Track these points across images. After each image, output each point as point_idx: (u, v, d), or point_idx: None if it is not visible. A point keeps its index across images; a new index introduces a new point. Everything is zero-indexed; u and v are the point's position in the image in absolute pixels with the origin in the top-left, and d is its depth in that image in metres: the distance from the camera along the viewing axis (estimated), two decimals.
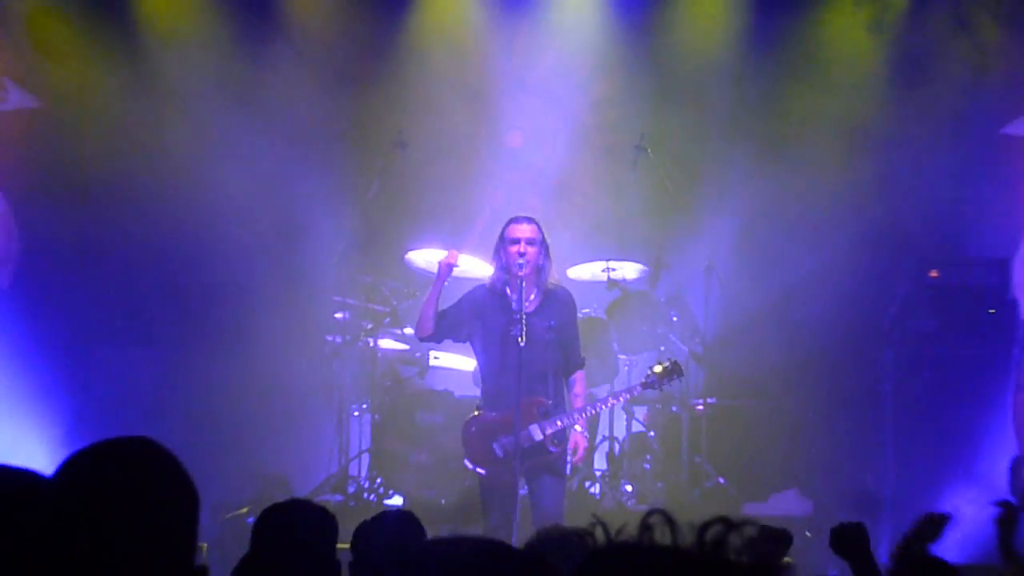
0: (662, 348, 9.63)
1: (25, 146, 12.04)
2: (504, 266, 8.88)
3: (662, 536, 1.70)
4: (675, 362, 9.14)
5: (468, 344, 9.18)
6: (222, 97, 11.76)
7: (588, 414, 9.04)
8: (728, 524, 1.65)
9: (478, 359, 9.16)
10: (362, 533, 5.28)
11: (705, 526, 1.66)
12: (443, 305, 9.09)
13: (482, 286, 9.09)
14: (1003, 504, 6.31)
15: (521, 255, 8.75)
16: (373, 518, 5.37)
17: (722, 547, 1.64)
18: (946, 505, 10.51)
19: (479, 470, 8.76)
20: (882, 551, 9.98)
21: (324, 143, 11.88)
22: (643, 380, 9.10)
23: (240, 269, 11.52)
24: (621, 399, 9.64)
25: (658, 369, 9.02)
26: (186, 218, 11.56)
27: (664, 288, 11.36)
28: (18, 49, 11.98)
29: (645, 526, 1.70)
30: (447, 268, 8.92)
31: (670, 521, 1.70)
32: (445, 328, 9.01)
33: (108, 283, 11.73)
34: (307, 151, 11.79)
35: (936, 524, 5.67)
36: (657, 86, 12.00)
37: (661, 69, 12.06)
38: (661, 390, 9.50)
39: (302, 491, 10.28)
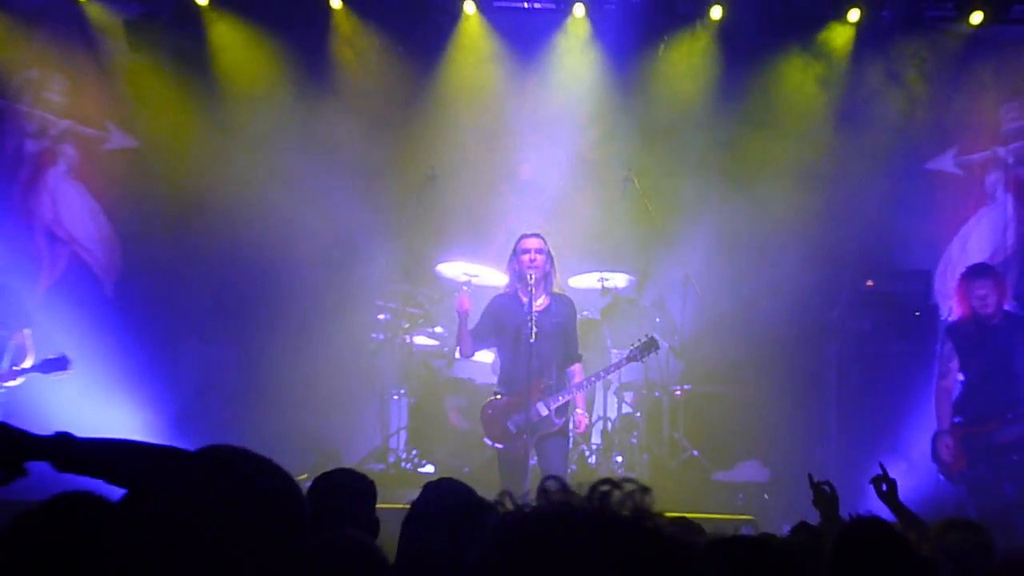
0: (649, 335, 9.74)
1: (125, 179, 12.19)
2: (518, 273, 8.92)
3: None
4: (652, 338, 9.20)
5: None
6: (288, 139, 11.75)
7: (585, 388, 9.05)
8: (612, 484, 1.60)
9: (498, 351, 9.21)
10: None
11: (594, 486, 1.61)
12: (472, 321, 9.09)
13: (500, 295, 9.12)
14: (877, 479, 5.97)
15: (532, 262, 8.80)
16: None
17: (606, 502, 1.57)
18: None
19: (496, 445, 8.83)
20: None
21: (370, 176, 11.79)
22: (628, 354, 9.17)
23: (302, 280, 11.53)
24: (612, 372, 9.55)
25: (638, 344, 9.11)
26: (259, 238, 11.45)
27: (648, 295, 11.41)
28: (120, 98, 12.14)
29: (541, 491, 1.64)
30: (463, 312, 8.94)
31: (564, 485, 1.63)
32: (478, 344, 9.08)
33: (194, 291, 11.75)
34: (356, 183, 11.67)
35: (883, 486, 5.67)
36: (642, 129, 11.92)
37: (645, 115, 11.97)
38: (643, 361, 9.45)
39: (351, 461, 10.29)
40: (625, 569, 1.50)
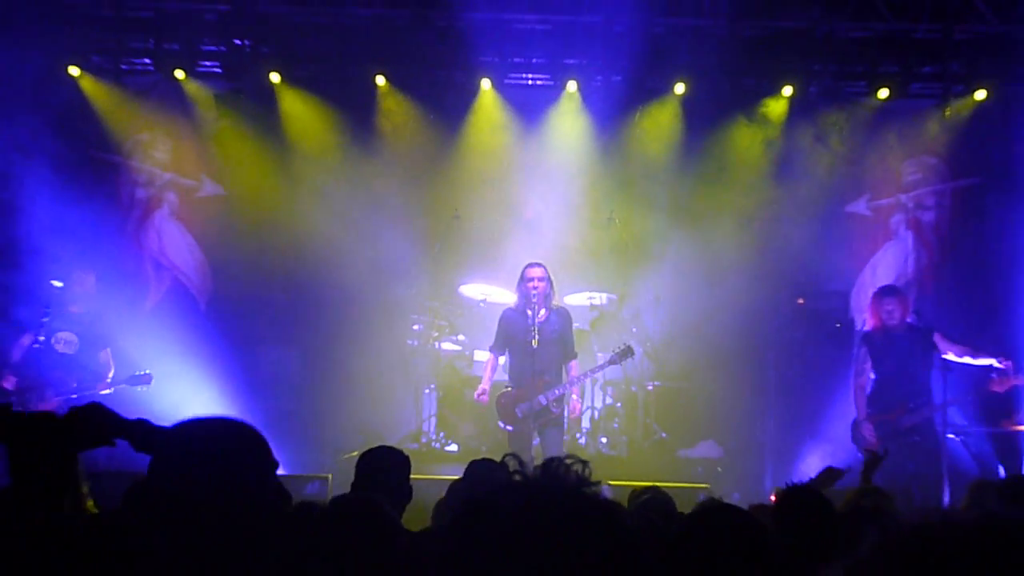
0: (625, 343, 9.81)
1: (215, 219, 12.16)
2: (524, 295, 9.04)
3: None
4: (628, 346, 9.31)
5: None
6: (342, 188, 11.67)
7: (576, 384, 9.13)
8: (562, 459, 1.60)
9: (508, 354, 9.22)
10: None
11: (545, 462, 1.61)
12: (491, 331, 9.32)
13: (510, 310, 9.22)
14: (869, 452, 6.18)
15: (535, 288, 8.94)
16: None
17: (558, 475, 1.56)
18: (808, 452, 10.72)
19: (508, 427, 8.98)
20: (767, 488, 10.28)
21: (406, 217, 11.70)
22: (609, 359, 9.25)
23: (353, 298, 11.42)
24: (597, 373, 9.62)
25: (617, 351, 9.24)
26: (319, 264, 11.46)
27: (627, 310, 11.40)
28: (211, 156, 12.16)
29: (501, 464, 1.63)
30: (481, 399, 9.22)
31: (520, 463, 1.61)
32: (500, 353, 9.24)
33: (269, 307, 11.70)
34: (396, 222, 11.61)
35: (833, 476, 5.63)
36: (621, 179, 11.86)
37: (624, 168, 11.90)
38: (622, 364, 9.52)
39: (391, 441, 9.61)
40: (566, 520, 1.49)
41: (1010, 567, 1.07)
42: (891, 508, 4.85)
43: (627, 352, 9.29)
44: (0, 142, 10.30)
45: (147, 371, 9.63)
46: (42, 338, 9.50)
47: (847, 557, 3.58)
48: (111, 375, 9.64)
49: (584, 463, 1.61)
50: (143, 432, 2.61)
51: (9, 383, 9.27)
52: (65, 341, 9.60)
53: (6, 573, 2.31)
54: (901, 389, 9.05)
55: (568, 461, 1.60)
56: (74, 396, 9.15)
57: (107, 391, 9.45)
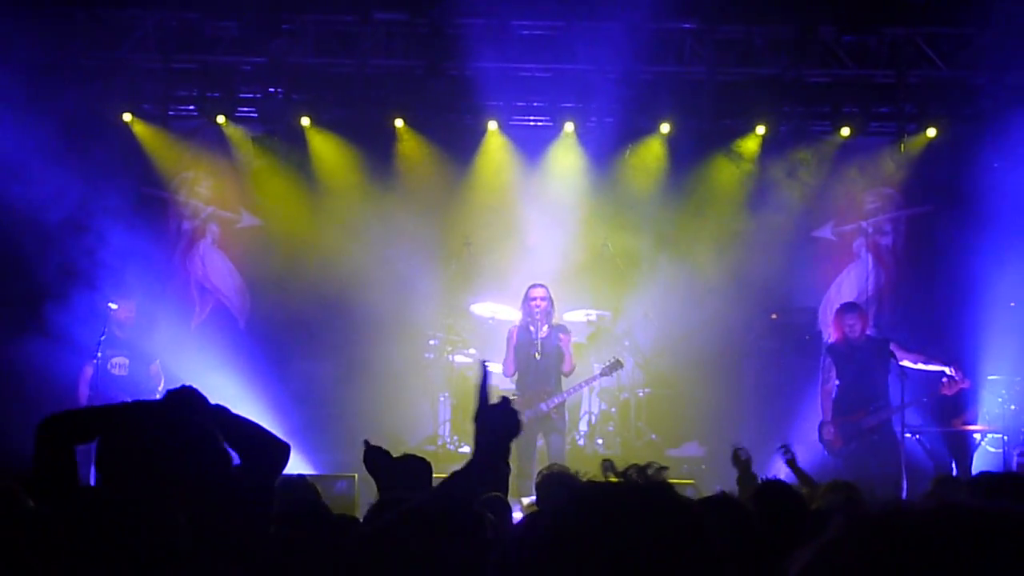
0: (615, 357, 9.89)
1: (253, 247, 12.22)
2: (528, 313, 9.20)
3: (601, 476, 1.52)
4: (617, 359, 9.48)
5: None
6: (365, 219, 11.71)
7: (571, 394, 9.27)
8: (649, 464, 1.53)
9: (515, 366, 9.30)
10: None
11: (633, 467, 1.51)
12: (499, 345, 9.46)
13: (516, 327, 9.34)
14: (783, 448, 6.27)
15: (537, 307, 9.11)
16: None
17: (644, 475, 1.49)
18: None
19: None
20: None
21: (422, 242, 11.70)
22: (601, 371, 9.39)
23: (376, 316, 11.36)
24: (592, 383, 9.66)
25: (608, 364, 9.40)
26: (345, 287, 11.38)
27: (620, 326, 11.41)
28: (249, 191, 12.18)
29: (548, 470, 1.57)
30: (511, 343, 9.25)
31: (613, 466, 1.53)
32: (512, 367, 9.30)
33: (302, 325, 11.64)
34: (413, 247, 11.62)
35: (741, 457, 5.76)
36: (614, 209, 11.88)
37: (616, 200, 11.92)
38: (613, 375, 9.59)
39: (411, 444, 10.27)
40: (659, 520, 1.43)
41: (976, 549, 1.06)
42: (858, 500, 4.85)
43: (616, 365, 9.46)
44: (63, 180, 10.41)
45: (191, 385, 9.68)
46: (97, 361, 9.62)
47: (816, 541, 3.60)
48: (161, 385, 9.78)
49: (664, 468, 1.54)
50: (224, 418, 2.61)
51: None
52: (119, 365, 9.83)
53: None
54: (863, 393, 9.04)
55: (655, 465, 1.53)
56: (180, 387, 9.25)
57: None
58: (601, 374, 9.42)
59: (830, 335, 9.68)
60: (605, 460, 1.59)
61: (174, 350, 10.43)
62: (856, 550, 1.12)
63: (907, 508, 1.14)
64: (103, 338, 9.66)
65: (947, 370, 8.91)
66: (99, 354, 9.66)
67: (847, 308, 9.53)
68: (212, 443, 2.46)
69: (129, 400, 2.82)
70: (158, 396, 9.10)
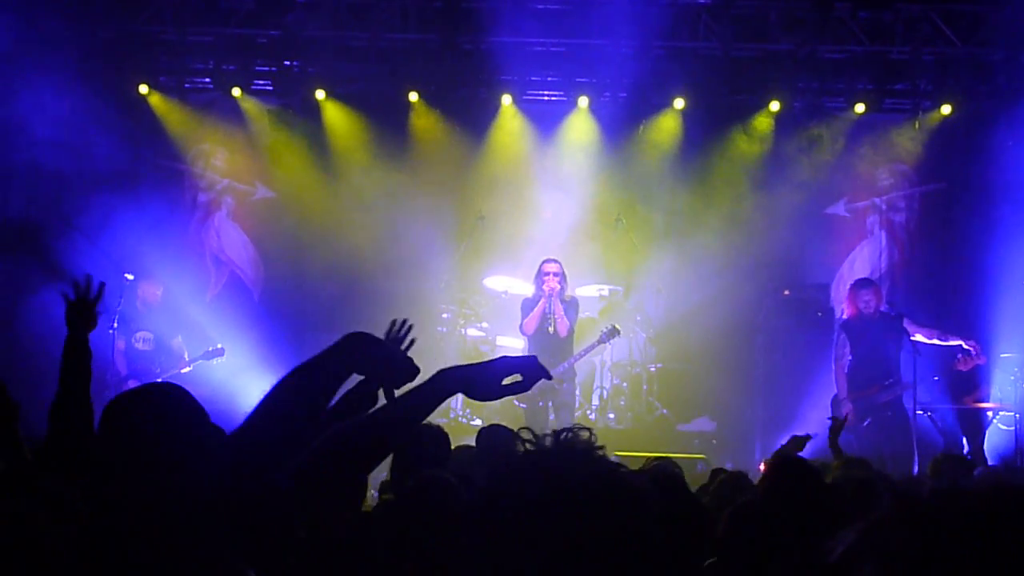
0: (613, 324, 9.55)
1: (268, 219, 12.21)
2: (541, 287, 9.18)
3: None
4: (614, 326, 9.38)
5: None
6: (380, 191, 11.69)
7: (576, 360, 9.22)
8: (570, 430, 1.52)
9: (527, 338, 9.31)
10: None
11: (555, 432, 1.52)
12: (512, 318, 9.38)
13: (528, 299, 9.33)
14: (833, 419, 6.25)
15: (549, 281, 9.14)
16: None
17: (568, 443, 1.50)
18: (794, 428, 10.71)
19: (522, 406, 9.10)
20: (756, 459, 10.28)
21: (436, 216, 11.60)
22: (599, 339, 9.30)
23: (389, 288, 11.23)
24: (593, 349, 9.46)
25: (605, 331, 9.33)
26: (359, 259, 11.43)
27: (632, 300, 11.37)
28: (264, 163, 12.13)
29: (516, 436, 1.55)
30: (551, 295, 9.15)
31: (533, 434, 1.53)
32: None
33: (315, 296, 11.54)
34: (427, 221, 11.51)
35: (799, 443, 5.62)
36: (627, 184, 11.85)
37: (630, 175, 11.86)
38: (609, 342, 9.50)
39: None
40: (581, 482, 1.46)
41: None
42: (871, 475, 4.70)
43: (613, 332, 9.37)
44: (81, 151, 10.38)
45: (219, 345, 9.91)
46: (113, 331, 9.69)
47: (861, 522, 3.50)
48: (186, 356, 10.00)
49: (589, 431, 1.54)
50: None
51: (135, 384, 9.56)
52: (144, 339, 9.97)
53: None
54: (876, 369, 9.01)
55: (575, 429, 1.54)
56: (159, 380, 9.35)
57: (187, 369, 9.81)
58: (599, 341, 9.36)
59: (844, 311, 9.63)
60: (521, 429, 1.59)
61: (191, 320, 10.50)
62: (906, 532, 1.10)
63: (960, 489, 1.11)
64: (120, 308, 9.75)
65: (964, 345, 8.84)
66: (115, 324, 9.70)
67: (862, 284, 9.50)
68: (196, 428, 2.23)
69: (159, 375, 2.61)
70: (213, 360, 9.38)
